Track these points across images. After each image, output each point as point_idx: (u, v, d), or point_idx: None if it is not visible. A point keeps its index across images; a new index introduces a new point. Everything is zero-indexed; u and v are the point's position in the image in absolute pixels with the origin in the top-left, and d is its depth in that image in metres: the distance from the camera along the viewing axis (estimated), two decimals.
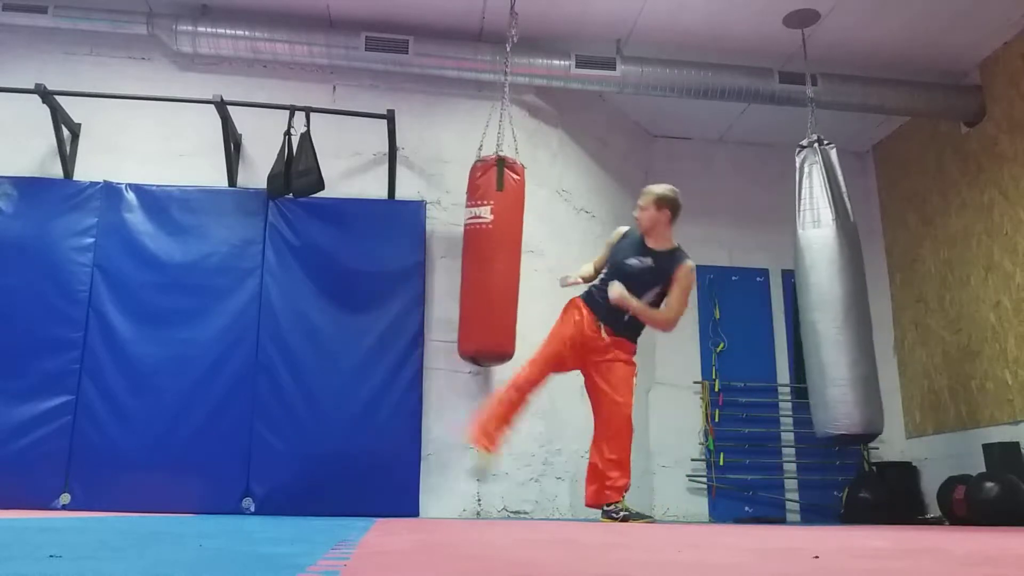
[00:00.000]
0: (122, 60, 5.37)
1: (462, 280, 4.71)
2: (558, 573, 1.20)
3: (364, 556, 1.46)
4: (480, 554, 1.57)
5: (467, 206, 4.68)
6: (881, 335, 6.54)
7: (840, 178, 4.99)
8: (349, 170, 5.33)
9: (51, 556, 1.28)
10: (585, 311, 3.98)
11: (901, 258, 6.52)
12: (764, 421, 6.28)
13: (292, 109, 4.89)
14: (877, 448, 6.27)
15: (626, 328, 3.97)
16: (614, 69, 5.42)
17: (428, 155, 5.44)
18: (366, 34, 5.24)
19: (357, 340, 4.86)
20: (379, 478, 4.64)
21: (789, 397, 6.40)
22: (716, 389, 6.28)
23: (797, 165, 5.10)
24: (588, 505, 3.99)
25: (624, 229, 4.15)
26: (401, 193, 5.28)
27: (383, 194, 5.26)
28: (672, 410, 6.22)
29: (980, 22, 5.27)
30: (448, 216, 5.32)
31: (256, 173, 5.18)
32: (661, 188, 4.00)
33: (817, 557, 1.57)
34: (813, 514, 6.13)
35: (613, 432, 3.89)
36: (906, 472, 6.04)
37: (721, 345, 6.42)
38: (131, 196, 4.96)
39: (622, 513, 3.81)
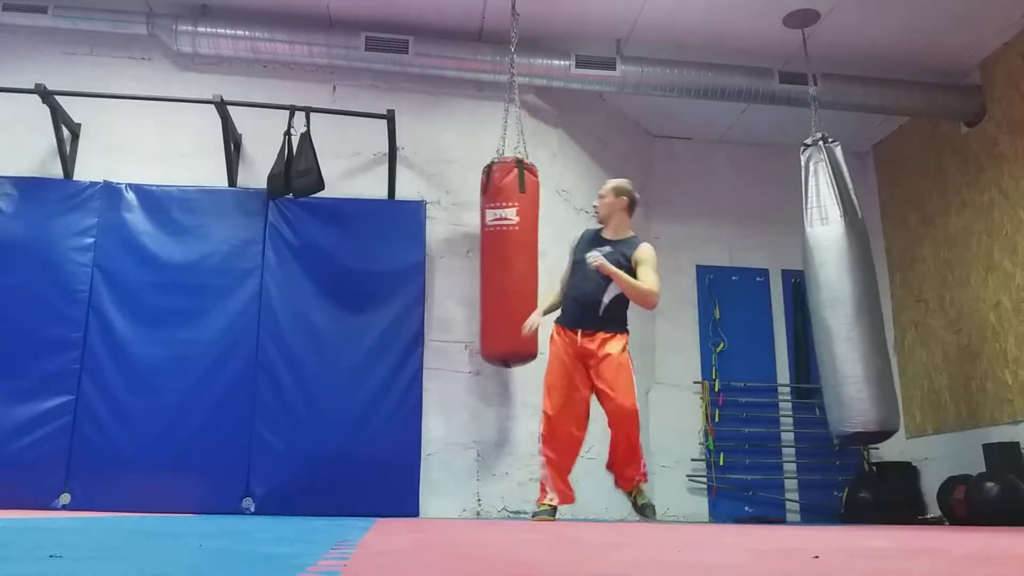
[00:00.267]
0: (122, 60, 5.37)
1: (485, 281, 4.65)
2: (558, 573, 1.20)
3: (364, 556, 1.46)
4: (480, 554, 1.57)
5: (488, 207, 4.60)
6: (886, 336, 6.56)
7: (846, 175, 4.99)
8: (349, 170, 5.33)
9: (51, 556, 1.28)
10: (563, 331, 4.05)
11: (901, 258, 6.52)
12: (764, 421, 6.28)
13: (292, 109, 4.89)
14: (877, 448, 6.27)
15: (605, 320, 3.98)
16: (614, 69, 5.42)
17: (428, 155, 5.44)
18: (366, 34, 5.25)
19: (357, 340, 4.86)
20: (379, 478, 4.64)
21: (789, 397, 6.40)
22: (716, 389, 6.28)
23: (802, 163, 5.09)
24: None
25: (579, 233, 4.28)
26: (401, 193, 5.28)
27: (383, 194, 5.26)
28: (672, 410, 6.21)
29: (980, 22, 5.27)
30: (448, 216, 5.32)
31: (256, 173, 5.18)
32: (618, 180, 4.27)
33: (817, 557, 1.57)
34: (813, 514, 6.13)
35: (619, 431, 3.93)
36: (906, 472, 6.04)
37: (721, 345, 6.42)
38: (131, 196, 4.96)
39: (640, 503, 3.94)
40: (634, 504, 4.02)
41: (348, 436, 4.68)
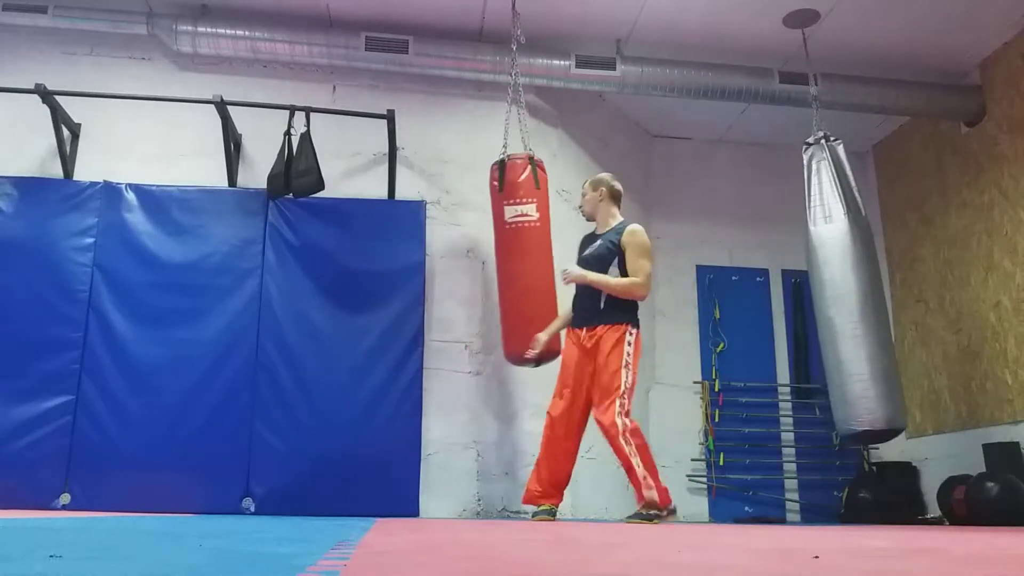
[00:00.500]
0: (122, 60, 5.38)
1: (508, 280, 4.47)
2: (558, 573, 1.20)
3: (364, 556, 1.46)
4: (480, 554, 1.57)
5: (507, 204, 4.44)
6: (891, 334, 6.56)
7: (849, 173, 4.99)
8: (349, 170, 5.33)
9: (51, 556, 1.28)
10: (571, 333, 4.05)
11: (901, 258, 6.52)
12: (764, 421, 6.28)
13: (292, 109, 4.89)
14: (877, 448, 6.27)
15: (606, 311, 3.94)
16: (614, 69, 5.42)
17: (428, 155, 5.44)
18: (366, 34, 5.25)
19: (357, 340, 4.86)
20: (379, 478, 4.64)
21: (789, 397, 6.40)
22: (716, 389, 6.28)
23: (805, 162, 5.09)
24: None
25: (583, 237, 4.28)
26: (401, 193, 5.28)
27: (383, 194, 5.26)
28: (672, 410, 6.22)
29: (980, 22, 5.27)
30: (448, 216, 5.32)
31: (256, 173, 5.18)
32: (595, 175, 4.28)
33: (817, 557, 1.57)
34: (813, 514, 6.13)
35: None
36: (906, 472, 6.04)
37: (721, 345, 6.42)
38: (131, 196, 4.96)
39: (651, 514, 3.71)
40: (645, 518, 3.74)
41: (348, 436, 4.68)
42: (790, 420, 6.34)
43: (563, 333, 4.18)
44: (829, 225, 4.86)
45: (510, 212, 4.44)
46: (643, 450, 3.74)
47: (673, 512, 3.73)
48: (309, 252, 4.97)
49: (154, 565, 1.21)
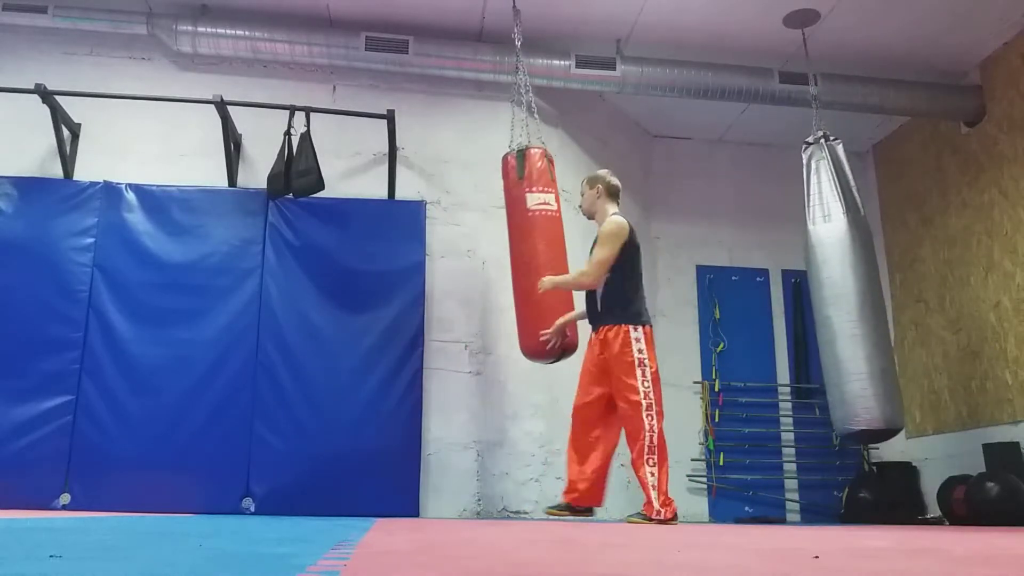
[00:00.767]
0: (122, 60, 5.38)
1: (528, 268, 4.19)
2: (558, 573, 1.20)
3: (364, 556, 1.46)
4: (480, 554, 1.57)
5: (530, 191, 4.27)
6: (889, 334, 6.56)
7: (848, 172, 4.99)
8: (349, 170, 5.34)
9: (51, 556, 1.28)
10: (591, 333, 3.97)
11: (901, 258, 6.52)
12: (764, 421, 6.28)
13: (292, 109, 4.89)
14: (877, 448, 6.27)
15: (604, 312, 3.87)
16: (614, 69, 5.42)
17: (428, 155, 5.44)
18: (366, 34, 5.25)
19: (357, 340, 4.86)
20: (379, 478, 4.64)
21: (789, 397, 6.40)
22: (716, 389, 6.28)
23: (804, 162, 5.09)
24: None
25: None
26: (401, 193, 5.29)
27: (383, 194, 5.26)
28: (672, 410, 6.15)
29: (980, 22, 5.27)
30: (448, 216, 5.32)
31: (256, 173, 5.18)
32: (591, 173, 4.21)
33: (817, 557, 1.57)
34: (813, 514, 6.13)
35: (629, 437, 3.74)
36: (906, 472, 6.04)
37: (721, 345, 6.42)
38: (131, 196, 4.96)
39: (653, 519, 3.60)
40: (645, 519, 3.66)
41: (348, 436, 4.68)
42: (790, 420, 6.34)
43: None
44: (828, 225, 4.86)
45: (533, 200, 4.26)
46: (661, 459, 3.65)
47: (673, 516, 3.69)
48: (309, 252, 4.97)
49: (154, 565, 1.21)
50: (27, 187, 4.91)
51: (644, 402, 3.68)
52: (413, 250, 5.08)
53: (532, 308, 4.15)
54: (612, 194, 4.07)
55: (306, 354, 4.80)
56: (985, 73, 5.69)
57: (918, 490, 5.98)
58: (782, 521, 5.99)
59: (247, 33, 5.19)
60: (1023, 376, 5.18)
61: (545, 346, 4.03)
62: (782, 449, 6.27)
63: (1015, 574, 1.31)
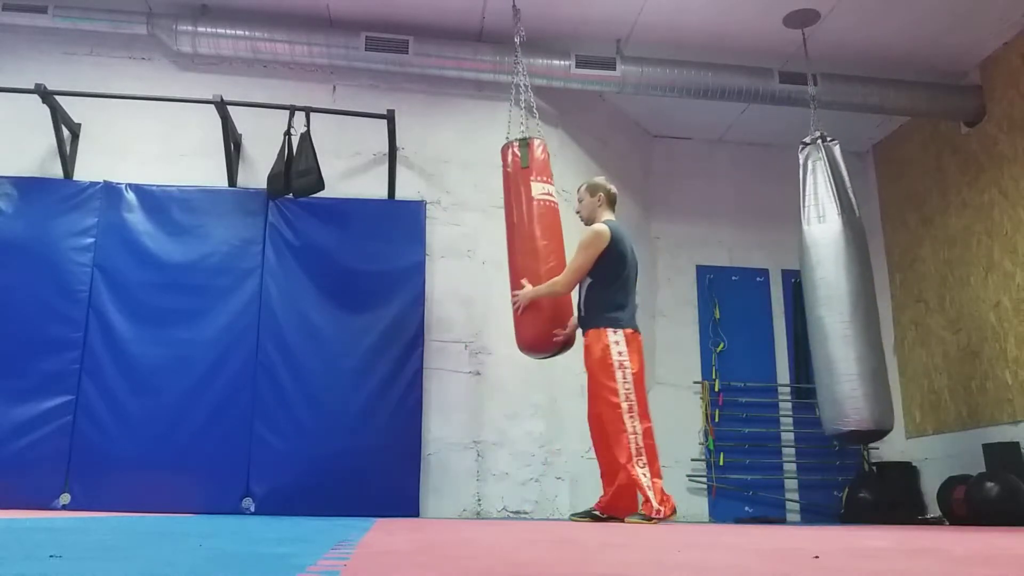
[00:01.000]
0: (122, 60, 5.38)
1: (532, 257, 4.08)
2: (558, 573, 1.20)
3: (364, 556, 1.46)
4: (480, 554, 1.57)
5: (534, 180, 4.17)
6: (881, 335, 6.55)
7: (844, 173, 4.99)
8: (349, 170, 5.34)
9: (51, 556, 1.28)
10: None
11: (901, 258, 6.52)
12: (764, 421, 6.28)
13: (292, 109, 4.89)
14: (877, 448, 6.27)
15: (587, 317, 3.89)
16: (614, 69, 5.42)
17: (428, 155, 5.44)
18: (366, 34, 5.25)
19: (357, 340, 4.86)
20: (379, 478, 4.65)
21: (789, 397, 6.40)
22: (716, 389, 6.28)
23: (800, 162, 5.10)
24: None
25: None
26: (401, 193, 5.29)
27: (383, 194, 5.26)
28: (672, 410, 6.21)
29: (980, 22, 5.27)
30: (448, 216, 5.32)
31: (256, 173, 5.18)
32: (591, 179, 4.19)
33: (817, 557, 1.57)
34: (813, 514, 6.13)
35: (612, 440, 3.71)
36: (906, 472, 6.04)
37: (721, 345, 6.42)
38: (131, 196, 4.96)
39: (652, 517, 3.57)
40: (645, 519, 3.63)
41: (348, 436, 4.68)
42: (790, 420, 6.34)
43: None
44: (823, 225, 4.87)
45: (538, 188, 4.16)
46: (652, 462, 3.65)
47: (673, 512, 3.69)
48: (309, 252, 4.97)
49: (154, 565, 1.21)
50: (27, 187, 4.91)
51: (624, 404, 3.67)
52: (413, 250, 5.08)
53: (553, 303, 4.02)
54: (611, 203, 4.09)
55: (306, 354, 4.81)
56: (985, 73, 5.69)
57: (918, 490, 5.98)
58: (782, 521, 5.98)
59: (247, 33, 5.19)
60: (1023, 376, 5.18)
61: (545, 340, 3.99)
62: (782, 449, 6.27)
63: (1015, 574, 1.31)
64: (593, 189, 4.09)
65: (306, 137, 4.84)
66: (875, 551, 1.86)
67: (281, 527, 2.64)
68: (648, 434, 3.71)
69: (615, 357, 3.73)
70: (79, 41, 5.33)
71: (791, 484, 6.22)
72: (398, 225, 5.14)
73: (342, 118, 5.20)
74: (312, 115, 4.91)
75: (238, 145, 5.28)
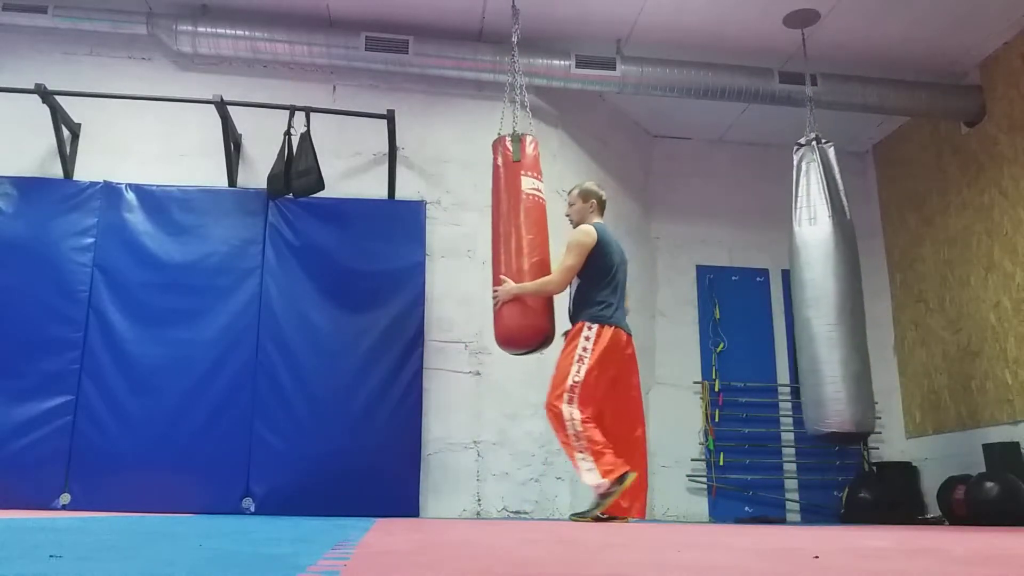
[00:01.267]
0: (122, 60, 5.38)
1: (519, 252, 4.04)
2: (558, 573, 1.20)
3: (364, 556, 1.46)
4: (480, 554, 1.57)
5: (525, 174, 4.15)
6: (881, 335, 6.55)
7: (838, 176, 5.00)
8: (349, 170, 5.34)
9: (51, 556, 1.28)
10: None
11: (901, 258, 6.52)
12: (764, 421, 6.28)
13: (292, 109, 4.89)
14: (877, 448, 6.28)
15: (576, 312, 3.92)
16: (614, 69, 5.42)
17: (428, 155, 5.44)
18: (366, 34, 5.25)
19: (357, 340, 4.86)
20: (379, 478, 4.65)
21: (789, 397, 6.40)
22: (716, 389, 6.28)
23: (795, 163, 5.11)
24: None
25: None
26: (401, 193, 5.29)
27: (383, 194, 5.26)
28: (672, 410, 6.22)
29: (980, 22, 5.27)
30: (448, 216, 5.32)
31: (256, 173, 5.18)
32: (583, 184, 4.19)
33: (817, 557, 1.57)
34: (813, 514, 6.13)
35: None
36: (906, 472, 6.04)
37: (721, 345, 6.42)
38: (131, 196, 4.96)
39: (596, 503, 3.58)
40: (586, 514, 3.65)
41: (348, 436, 4.68)
42: (790, 420, 6.34)
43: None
44: (813, 227, 4.88)
45: (528, 183, 4.15)
46: (591, 437, 3.61)
47: (620, 482, 3.56)
48: (309, 252, 4.97)
49: (154, 565, 1.21)
50: (27, 187, 4.91)
51: (567, 395, 3.67)
52: (413, 250, 5.08)
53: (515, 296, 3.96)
54: (601, 209, 4.14)
55: (306, 354, 4.81)
56: (985, 73, 5.69)
57: (918, 490, 5.99)
58: (782, 521, 5.99)
59: (247, 33, 5.19)
60: (1023, 376, 5.18)
61: (524, 335, 3.96)
62: (782, 449, 6.27)
63: (1015, 574, 1.31)
64: (586, 195, 4.12)
65: (306, 137, 4.84)
66: (875, 551, 1.86)
67: (281, 527, 2.64)
68: (587, 423, 3.65)
69: (579, 350, 3.76)
70: (79, 41, 5.33)
71: (791, 484, 6.22)
72: (398, 225, 5.14)
73: (342, 118, 5.20)
74: (312, 115, 4.91)
75: (238, 145, 5.28)
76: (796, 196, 5.02)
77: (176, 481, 4.49)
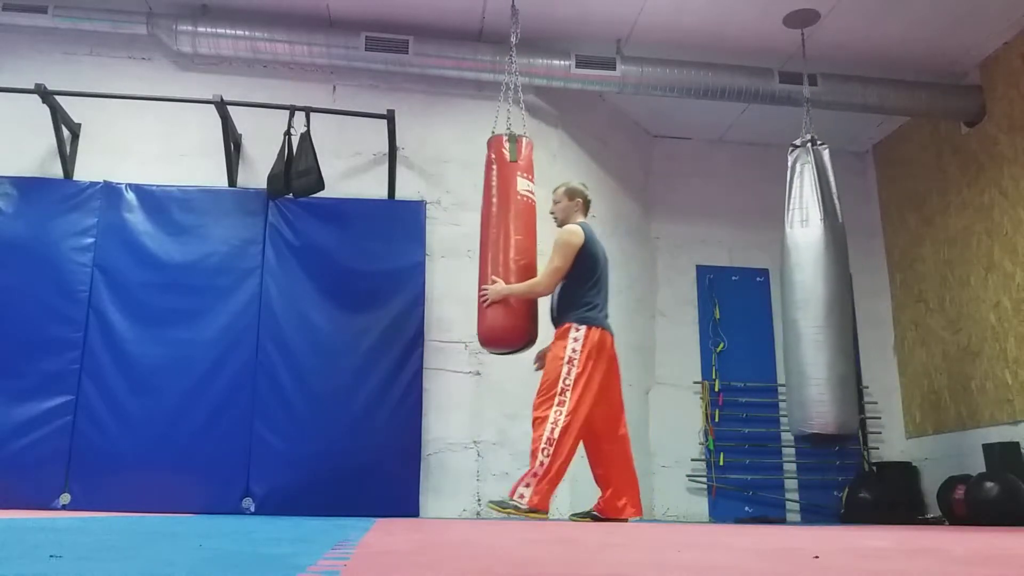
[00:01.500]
0: (122, 60, 5.38)
1: (507, 252, 4.05)
2: (558, 573, 1.20)
3: (364, 556, 1.46)
4: (480, 554, 1.57)
5: (520, 175, 4.11)
6: (881, 335, 6.56)
7: (831, 179, 5.00)
8: (349, 170, 5.34)
9: (51, 556, 1.28)
10: None
11: (901, 258, 6.52)
12: (764, 421, 6.28)
13: (292, 109, 4.89)
14: (877, 448, 6.28)
15: (559, 314, 3.91)
16: (614, 69, 5.42)
17: (428, 155, 5.44)
18: (366, 34, 5.25)
19: (357, 340, 4.86)
20: (379, 478, 4.65)
21: None
22: (716, 389, 6.28)
23: (789, 164, 5.12)
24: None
25: None
26: (401, 193, 5.29)
27: (383, 194, 5.26)
28: (672, 410, 6.22)
29: (980, 22, 5.27)
30: (448, 216, 5.32)
31: (256, 173, 5.18)
32: (570, 183, 4.18)
33: (817, 557, 1.57)
34: (813, 514, 6.13)
35: (535, 422, 3.74)
36: (906, 472, 6.04)
37: (721, 345, 6.42)
38: (131, 196, 4.96)
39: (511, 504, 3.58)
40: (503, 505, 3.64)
41: (348, 436, 4.68)
42: None
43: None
44: (805, 229, 4.90)
45: (523, 184, 4.15)
46: (558, 453, 3.59)
47: (528, 511, 3.56)
48: (309, 252, 4.97)
49: (154, 565, 1.21)
50: (27, 187, 4.91)
51: (558, 398, 3.67)
52: (413, 250, 5.08)
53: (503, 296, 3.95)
54: (586, 208, 4.13)
55: (306, 354, 4.81)
56: (985, 73, 5.69)
57: (918, 490, 5.99)
58: (782, 521, 5.99)
59: (247, 33, 5.19)
60: (1023, 376, 5.18)
61: (510, 335, 3.96)
62: (782, 449, 6.27)
63: (1015, 574, 1.31)
64: (572, 193, 4.11)
65: (306, 137, 4.84)
66: (875, 551, 1.86)
67: (281, 527, 2.64)
68: (566, 431, 3.64)
69: (568, 352, 3.75)
70: (79, 41, 5.33)
71: (791, 484, 6.22)
72: (398, 225, 5.14)
73: (342, 118, 5.20)
74: (312, 115, 4.91)
75: (238, 145, 5.28)
76: (789, 198, 5.03)
77: (176, 481, 4.49)
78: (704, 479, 6.10)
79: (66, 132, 5.06)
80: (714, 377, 6.32)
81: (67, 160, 5.05)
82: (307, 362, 4.80)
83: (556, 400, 3.67)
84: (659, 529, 3.14)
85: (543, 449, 3.60)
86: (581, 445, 3.86)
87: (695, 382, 6.33)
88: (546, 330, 4.06)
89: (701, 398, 6.28)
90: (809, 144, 5.07)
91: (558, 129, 5.75)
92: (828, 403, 4.62)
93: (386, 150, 5.25)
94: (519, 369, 4.87)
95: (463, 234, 5.30)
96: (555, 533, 2.51)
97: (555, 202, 4.15)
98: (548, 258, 3.93)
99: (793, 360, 4.81)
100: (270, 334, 4.81)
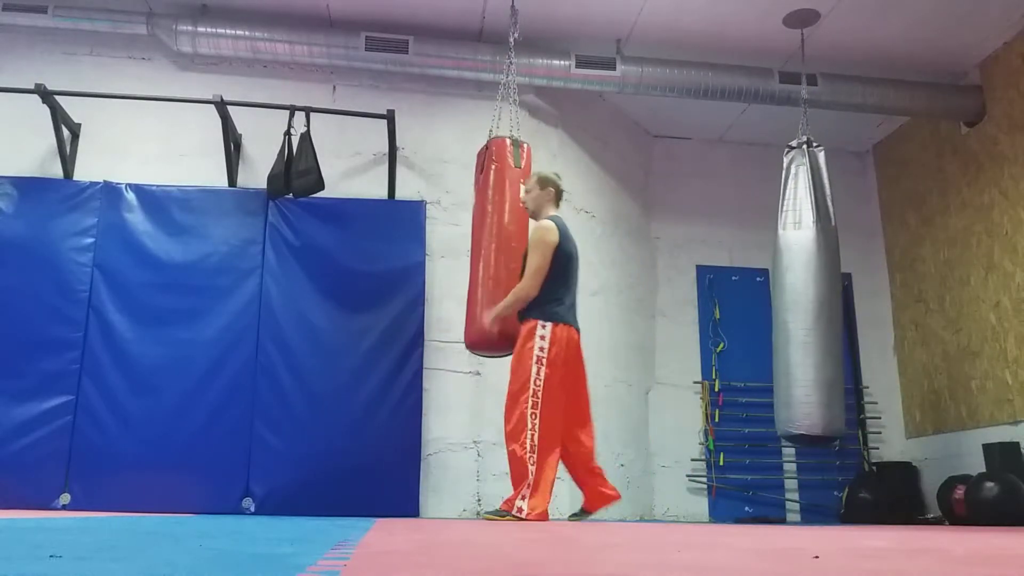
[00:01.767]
0: (122, 60, 5.38)
1: (507, 257, 4.10)
2: (558, 573, 1.20)
3: (364, 556, 1.46)
4: (480, 554, 1.57)
5: (522, 181, 4.17)
6: (881, 335, 6.56)
7: (826, 181, 5.01)
8: (349, 170, 5.34)
9: (51, 556, 1.28)
10: None
11: (901, 258, 6.52)
12: (764, 421, 6.24)
13: (292, 109, 4.89)
14: (877, 448, 6.28)
15: (525, 311, 3.84)
16: (614, 69, 5.42)
17: (428, 155, 5.44)
18: (366, 34, 5.25)
19: (357, 340, 4.86)
20: (379, 478, 4.65)
21: None
22: (716, 389, 6.28)
23: (784, 165, 5.13)
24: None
25: None
26: (401, 193, 5.29)
27: (383, 194, 5.26)
28: (672, 410, 6.22)
29: (980, 22, 5.27)
30: (448, 216, 5.32)
31: (256, 173, 5.18)
32: (543, 172, 4.10)
33: (817, 557, 1.57)
34: (813, 514, 6.13)
35: (514, 427, 3.68)
36: (906, 472, 6.04)
37: (721, 345, 6.42)
38: (131, 196, 4.96)
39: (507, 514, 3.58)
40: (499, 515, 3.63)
41: (348, 436, 4.68)
42: None
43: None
44: (797, 231, 4.90)
45: (522, 191, 4.14)
46: (543, 458, 3.57)
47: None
48: (309, 252, 4.97)
49: (154, 565, 1.21)
50: (27, 187, 4.91)
51: (531, 400, 3.62)
52: (413, 250, 5.08)
53: (495, 295, 4.02)
54: (559, 199, 4.05)
55: (306, 354, 4.81)
56: (985, 73, 5.69)
57: (918, 490, 5.99)
58: (782, 521, 5.99)
59: (247, 33, 5.18)
60: (1023, 376, 5.18)
61: (495, 338, 3.96)
62: (782, 449, 6.26)
63: (1015, 574, 1.31)
64: (543, 182, 4.01)
65: (306, 137, 4.84)
66: (875, 551, 1.86)
67: (281, 527, 2.64)
68: (546, 433, 3.62)
69: (535, 352, 3.69)
70: (79, 41, 5.33)
71: (791, 484, 6.22)
72: (398, 225, 5.14)
73: (342, 118, 5.20)
74: (312, 115, 4.91)
75: (238, 145, 5.28)
76: (783, 199, 5.04)
77: (176, 481, 4.49)
78: (704, 479, 6.10)
79: (66, 132, 5.06)
80: (714, 377, 6.32)
81: (67, 160, 5.05)
82: (307, 362, 4.80)
83: (529, 404, 3.62)
84: (659, 529, 3.14)
85: (529, 458, 3.57)
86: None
87: (695, 382, 6.32)
88: None
89: (701, 398, 6.28)
90: (805, 146, 5.07)
91: (558, 129, 5.75)
92: (815, 405, 4.65)
93: (386, 150, 5.25)
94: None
95: (463, 234, 5.29)
96: (555, 533, 2.51)
97: (526, 191, 4.04)
98: (528, 259, 3.85)
99: (782, 361, 4.83)
100: (270, 334, 4.81)
